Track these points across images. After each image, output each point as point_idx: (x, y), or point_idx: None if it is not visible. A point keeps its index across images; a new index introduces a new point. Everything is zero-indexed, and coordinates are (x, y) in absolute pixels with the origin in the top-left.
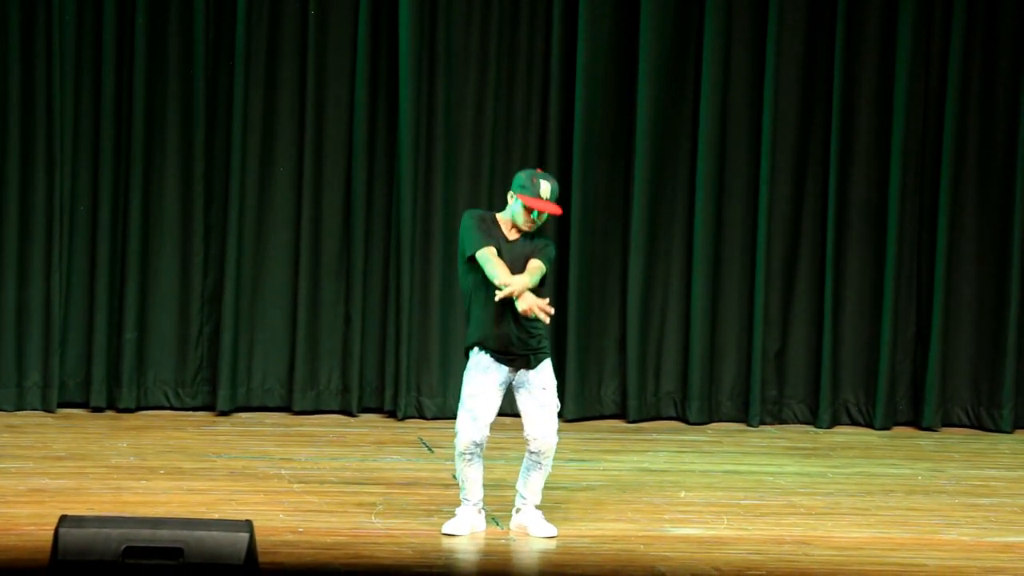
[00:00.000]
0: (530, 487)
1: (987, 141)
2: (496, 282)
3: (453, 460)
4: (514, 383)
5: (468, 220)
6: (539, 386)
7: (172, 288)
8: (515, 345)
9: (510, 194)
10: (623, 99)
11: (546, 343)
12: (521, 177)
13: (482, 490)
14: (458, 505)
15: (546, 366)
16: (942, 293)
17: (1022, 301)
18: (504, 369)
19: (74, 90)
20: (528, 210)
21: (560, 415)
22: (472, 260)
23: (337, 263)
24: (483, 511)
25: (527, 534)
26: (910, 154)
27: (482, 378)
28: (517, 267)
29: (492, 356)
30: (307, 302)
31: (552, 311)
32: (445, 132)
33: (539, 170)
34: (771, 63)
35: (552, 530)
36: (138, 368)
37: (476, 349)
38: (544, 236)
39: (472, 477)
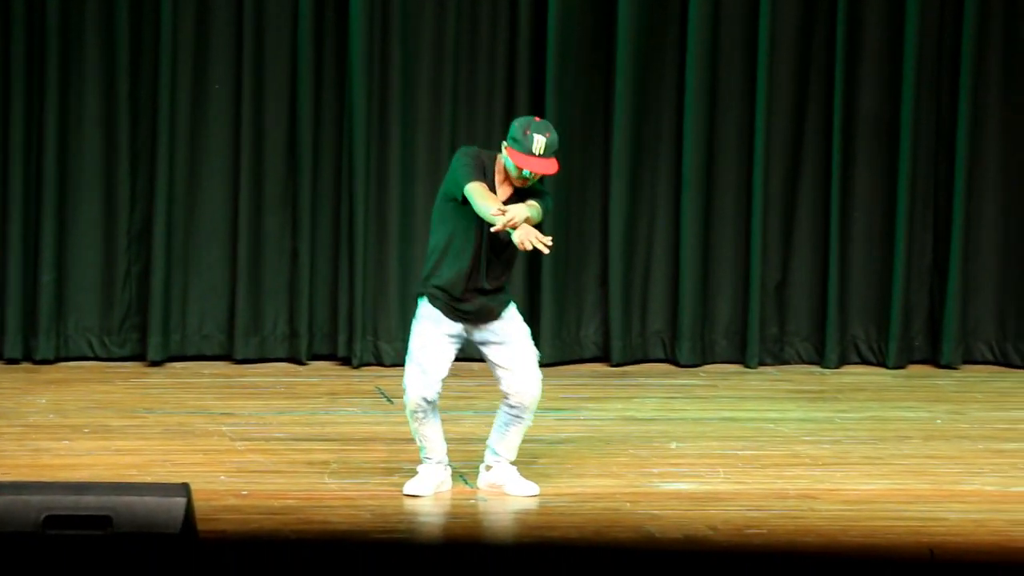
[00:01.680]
0: (506, 443)
1: (1011, 43)
2: (490, 213)
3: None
4: (476, 339)
5: (461, 156)
6: (510, 334)
7: (95, 223)
8: (479, 299)
9: (503, 144)
10: (601, 2)
11: (510, 293)
12: (515, 127)
13: (444, 444)
14: (420, 463)
15: (512, 312)
16: (962, 215)
17: None
18: (459, 325)
19: None
20: (518, 167)
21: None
22: (463, 199)
23: (282, 191)
24: (449, 467)
25: (503, 493)
26: (925, 57)
27: (433, 329)
28: (505, 234)
29: (446, 310)
30: (248, 236)
31: (550, 244)
32: (402, 38)
33: (537, 119)
34: None
35: (533, 488)
36: (57, 314)
37: (427, 299)
38: (541, 187)
39: (430, 435)
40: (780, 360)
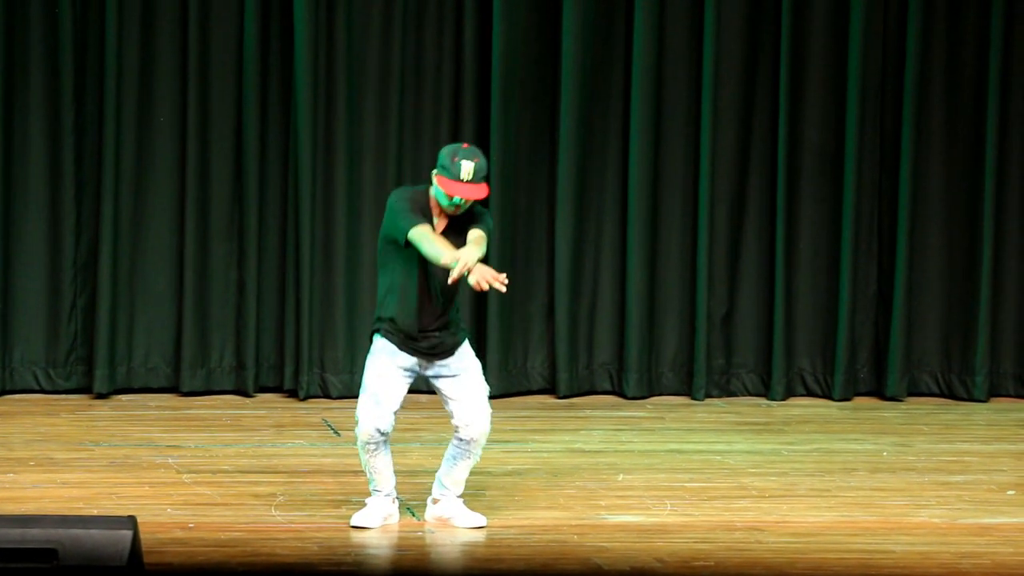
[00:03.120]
0: (454, 477)
1: (954, 75)
2: (443, 261)
3: (357, 450)
4: (429, 373)
5: (396, 200)
6: (462, 368)
7: (40, 255)
8: (434, 335)
9: (433, 173)
10: (546, 33)
11: (464, 326)
12: (443, 155)
13: (394, 478)
14: (368, 495)
15: (466, 347)
16: (906, 246)
17: (995, 255)
18: (413, 359)
19: None
20: (450, 195)
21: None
22: (407, 244)
23: (228, 223)
24: (397, 500)
25: (450, 525)
26: (868, 91)
27: (388, 361)
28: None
29: (401, 345)
30: (195, 268)
31: (506, 282)
32: (347, 73)
33: (465, 145)
34: None
35: (480, 519)
36: (2, 347)
37: (382, 335)
38: (479, 208)
39: (380, 467)
40: (727, 392)
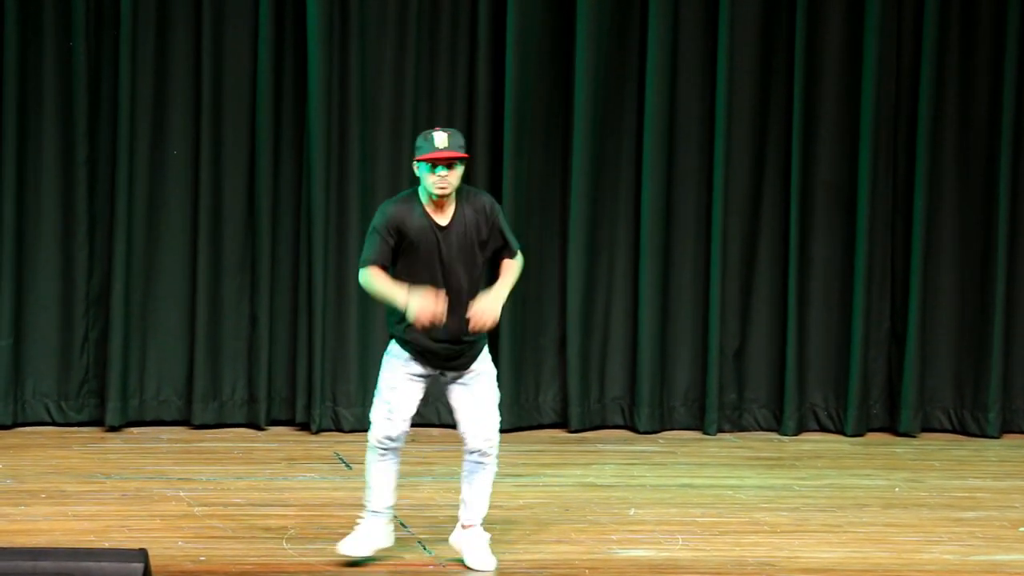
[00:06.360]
0: (476, 492)
1: (966, 113)
2: (400, 306)
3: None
4: (443, 378)
5: (374, 221)
6: (475, 375)
7: (52, 288)
8: (450, 348)
9: (414, 165)
10: (559, 69)
11: (484, 338)
12: (417, 140)
13: (392, 497)
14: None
15: (484, 355)
16: (919, 283)
17: (1008, 292)
18: (428, 367)
19: None
20: (432, 166)
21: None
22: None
23: (240, 256)
24: (391, 523)
25: (462, 561)
26: (881, 129)
27: (403, 368)
28: (464, 257)
29: (417, 355)
30: (207, 301)
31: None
32: (360, 107)
33: (437, 128)
34: (724, 28)
35: (489, 563)
36: (15, 379)
37: (398, 343)
38: (479, 195)
39: (381, 480)
40: (738, 427)
